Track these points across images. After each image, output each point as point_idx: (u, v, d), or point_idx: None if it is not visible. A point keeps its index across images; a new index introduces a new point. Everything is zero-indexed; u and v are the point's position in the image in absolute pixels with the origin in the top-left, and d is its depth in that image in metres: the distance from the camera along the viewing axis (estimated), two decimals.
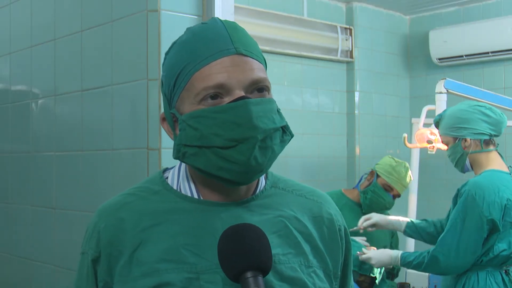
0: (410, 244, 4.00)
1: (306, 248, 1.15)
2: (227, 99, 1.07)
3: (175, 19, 1.98)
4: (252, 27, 4.13)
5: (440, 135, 2.88)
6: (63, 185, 2.41)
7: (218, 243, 1.02)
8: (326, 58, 4.68)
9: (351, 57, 4.80)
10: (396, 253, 2.91)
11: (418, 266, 2.78)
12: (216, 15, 1.98)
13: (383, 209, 3.39)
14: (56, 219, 2.44)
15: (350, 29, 4.78)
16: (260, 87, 1.10)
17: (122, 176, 2.09)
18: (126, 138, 2.09)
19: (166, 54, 1.17)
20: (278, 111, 1.12)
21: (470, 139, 2.71)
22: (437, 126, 2.90)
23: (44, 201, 2.51)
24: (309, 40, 4.51)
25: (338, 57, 4.71)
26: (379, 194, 3.36)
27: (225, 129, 1.05)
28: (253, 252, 1.00)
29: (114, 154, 2.13)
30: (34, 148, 2.60)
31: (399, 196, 3.43)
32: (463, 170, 2.82)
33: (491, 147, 2.76)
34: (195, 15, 2.01)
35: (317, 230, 1.19)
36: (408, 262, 2.83)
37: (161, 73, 1.18)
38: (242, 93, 1.07)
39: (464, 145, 2.73)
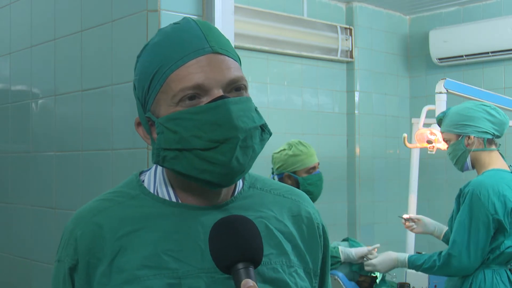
0: (410, 245, 3.99)
1: (288, 247, 1.14)
2: (205, 99, 1.04)
3: (175, 19, 1.96)
4: (252, 27, 4.14)
5: (442, 133, 2.88)
6: (63, 185, 2.41)
7: (209, 235, 1.01)
8: (326, 58, 4.68)
9: (351, 57, 4.80)
10: (403, 256, 2.92)
11: (429, 269, 2.79)
12: (216, 15, 1.98)
13: (321, 188, 3.14)
14: (56, 219, 2.44)
15: (350, 29, 4.78)
16: (237, 86, 1.08)
17: (122, 176, 2.08)
18: (126, 138, 2.08)
19: (138, 57, 1.15)
20: (256, 109, 1.10)
21: (474, 137, 2.72)
22: (439, 123, 2.90)
23: (44, 201, 2.51)
24: (309, 40, 4.51)
25: (338, 57, 4.71)
26: (311, 182, 3.05)
27: (206, 130, 1.03)
28: (244, 243, 0.99)
29: (114, 154, 2.13)
30: (34, 148, 2.60)
31: (318, 163, 3.13)
32: (463, 168, 2.82)
33: (493, 147, 2.77)
34: (195, 15, 2.01)
35: (297, 229, 1.18)
36: (417, 265, 2.84)
37: (134, 76, 1.15)
38: (221, 93, 1.05)
39: (467, 143, 2.74)
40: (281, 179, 3.06)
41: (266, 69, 4.32)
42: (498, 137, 2.77)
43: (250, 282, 0.96)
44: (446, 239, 3.06)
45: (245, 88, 1.09)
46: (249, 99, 1.09)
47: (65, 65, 2.40)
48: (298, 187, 3.00)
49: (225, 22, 1.99)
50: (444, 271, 2.74)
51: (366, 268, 2.99)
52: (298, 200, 1.23)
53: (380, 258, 2.98)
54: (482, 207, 2.61)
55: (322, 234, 1.23)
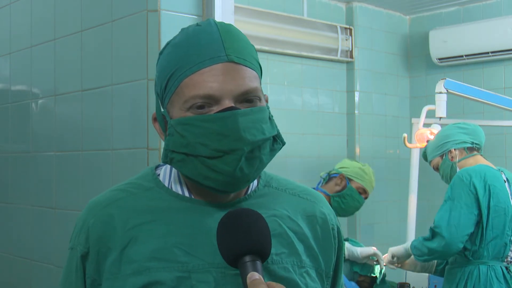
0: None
1: (300, 247, 1.14)
2: (215, 108, 1.05)
3: (175, 19, 1.98)
4: (252, 27, 4.13)
5: (430, 164, 3.09)
6: (63, 185, 2.41)
7: (217, 227, 1.02)
8: (326, 58, 4.67)
9: (351, 57, 4.80)
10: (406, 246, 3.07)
11: (418, 246, 2.87)
12: (216, 15, 1.98)
13: (354, 212, 3.31)
14: (56, 219, 2.44)
15: (350, 29, 4.78)
16: (250, 97, 1.07)
17: (122, 176, 2.09)
18: (126, 138, 2.09)
19: (160, 53, 1.16)
20: (270, 118, 1.10)
21: (455, 149, 2.95)
22: (425, 158, 3.13)
23: (44, 201, 2.51)
24: (309, 40, 4.51)
25: (338, 57, 4.71)
26: (355, 198, 3.20)
27: (212, 139, 1.04)
28: (251, 235, 0.99)
29: (114, 154, 2.13)
30: (34, 148, 2.60)
31: (368, 196, 3.31)
32: None
33: (476, 152, 2.96)
34: (195, 15, 2.01)
35: (311, 230, 1.18)
36: (412, 245, 2.92)
37: (155, 72, 1.16)
38: (231, 104, 1.05)
39: (451, 156, 2.96)
40: (333, 177, 3.23)
41: (266, 69, 4.31)
42: (478, 145, 2.96)
43: (256, 275, 0.95)
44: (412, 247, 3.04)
45: (259, 99, 1.08)
46: (261, 110, 1.08)
47: (65, 65, 2.40)
48: (341, 190, 3.18)
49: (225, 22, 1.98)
50: (428, 245, 2.81)
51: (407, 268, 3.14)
52: (313, 201, 1.23)
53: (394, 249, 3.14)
54: (464, 186, 2.77)
55: (336, 236, 1.22)
